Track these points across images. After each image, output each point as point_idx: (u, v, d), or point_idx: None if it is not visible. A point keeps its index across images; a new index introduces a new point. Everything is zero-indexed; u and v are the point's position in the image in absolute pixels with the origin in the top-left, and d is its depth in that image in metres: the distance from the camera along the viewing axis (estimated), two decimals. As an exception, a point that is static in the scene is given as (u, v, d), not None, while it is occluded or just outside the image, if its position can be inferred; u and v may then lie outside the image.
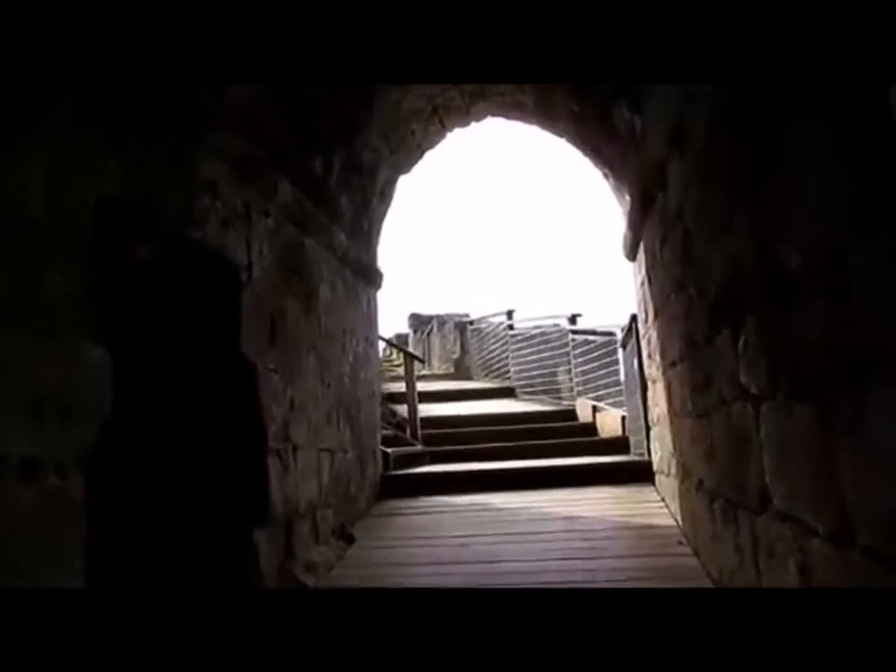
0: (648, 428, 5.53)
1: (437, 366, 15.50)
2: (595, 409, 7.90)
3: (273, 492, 3.41)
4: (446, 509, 5.18)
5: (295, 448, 3.76)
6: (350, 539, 4.41)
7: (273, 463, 3.44)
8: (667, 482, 4.69)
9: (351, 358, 4.99)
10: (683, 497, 3.99)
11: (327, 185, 4.44)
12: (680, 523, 4.20)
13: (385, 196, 5.63)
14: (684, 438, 3.69)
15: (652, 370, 4.94)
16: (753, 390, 2.13)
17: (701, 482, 3.28)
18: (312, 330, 4.22)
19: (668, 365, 4.00)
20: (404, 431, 7.52)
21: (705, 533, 3.32)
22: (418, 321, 18.43)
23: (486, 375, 11.93)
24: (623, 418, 7.09)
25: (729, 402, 2.47)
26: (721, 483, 2.81)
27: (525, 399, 9.82)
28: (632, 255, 5.08)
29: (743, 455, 2.34)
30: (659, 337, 4.33)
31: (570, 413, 8.38)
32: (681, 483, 3.98)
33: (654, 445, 5.30)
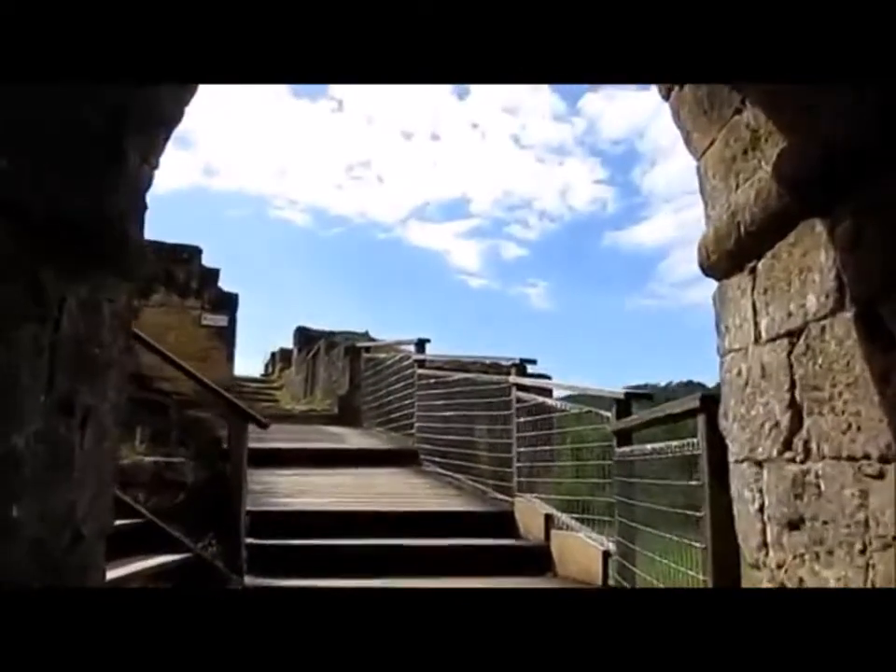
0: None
1: (320, 398, 12.10)
2: (549, 521, 4.85)
3: None
4: None
5: None
6: None
7: None
8: None
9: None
10: None
11: None
12: None
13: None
14: None
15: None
16: None
17: None
18: None
19: None
20: (231, 544, 4.20)
21: None
22: (305, 337, 14.92)
23: (381, 424, 8.74)
24: (606, 555, 4.11)
25: None
26: None
27: (433, 474, 6.70)
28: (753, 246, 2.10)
29: None
30: None
31: (506, 519, 5.28)
32: None
33: None
